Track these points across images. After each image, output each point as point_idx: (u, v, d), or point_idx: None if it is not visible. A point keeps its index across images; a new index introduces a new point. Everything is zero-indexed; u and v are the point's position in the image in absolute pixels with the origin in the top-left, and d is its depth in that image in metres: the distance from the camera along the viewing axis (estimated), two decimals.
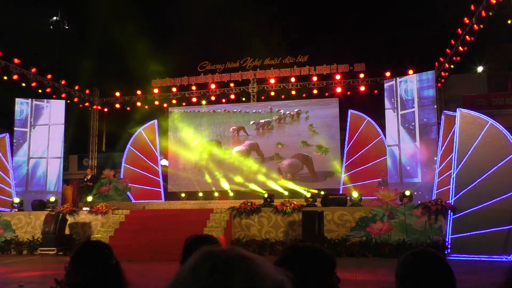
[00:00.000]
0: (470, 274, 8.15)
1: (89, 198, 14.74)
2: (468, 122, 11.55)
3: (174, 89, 19.41)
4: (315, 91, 18.48)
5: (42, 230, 12.47)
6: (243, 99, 19.32)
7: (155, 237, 11.51)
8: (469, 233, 10.68)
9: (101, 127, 21.47)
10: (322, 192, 14.47)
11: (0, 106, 18.23)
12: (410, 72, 15.73)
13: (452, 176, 11.33)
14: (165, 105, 19.88)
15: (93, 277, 1.89)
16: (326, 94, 18.48)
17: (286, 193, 16.74)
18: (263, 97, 19.19)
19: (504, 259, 10.24)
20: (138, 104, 20.19)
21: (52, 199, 14.57)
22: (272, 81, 18.63)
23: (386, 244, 11.22)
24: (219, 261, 0.66)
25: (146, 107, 20.22)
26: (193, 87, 19.29)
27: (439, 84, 17.04)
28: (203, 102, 19.43)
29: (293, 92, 18.69)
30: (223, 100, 19.43)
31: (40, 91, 17.63)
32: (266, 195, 13.22)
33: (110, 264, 1.92)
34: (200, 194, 17.71)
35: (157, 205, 16.58)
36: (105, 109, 20.90)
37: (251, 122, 18.78)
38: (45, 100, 17.63)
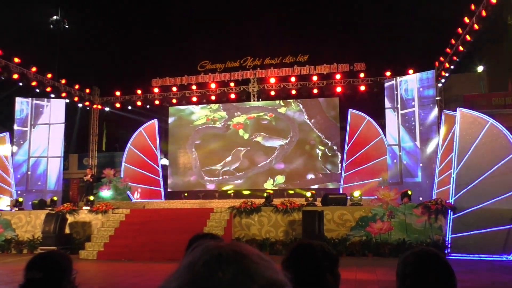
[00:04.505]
0: (470, 274, 8.16)
1: (92, 198, 14.71)
2: (468, 122, 11.54)
3: (174, 89, 19.42)
4: (315, 91, 18.49)
5: (42, 229, 12.47)
6: (244, 98, 19.33)
7: (155, 237, 11.51)
8: (469, 233, 10.68)
9: (101, 126, 21.47)
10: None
11: (0, 105, 18.24)
12: (410, 71, 15.74)
13: (452, 176, 11.33)
14: (165, 103, 19.88)
15: None
16: (326, 93, 18.48)
17: (285, 192, 16.75)
18: (263, 97, 19.20)
19: (504, 259, 10.25)
20: (139, 103, 20.20)
21: (52, 198, 14.57)
22: (272, 80, 18.63)
23: (386, 243, 11.22)
24: (213, 257, 0.68)
25: (147, 106, 20.23)
26: (193, 87, 19.29)
27: (439, 84, 17.04)
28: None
29: (293, 92, 18.70)
30: (224, 100, 19.43)
31: (40, 89, 17.61)
32: (266, 195, 13.21)
33: None
34: (200, 194, 17.71)
35: (157, 205, 16.58)
36: (106, 108, 20.91)
37: (251, 120, 18.77)
38: (45, 99, 17.64)
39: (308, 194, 13.16)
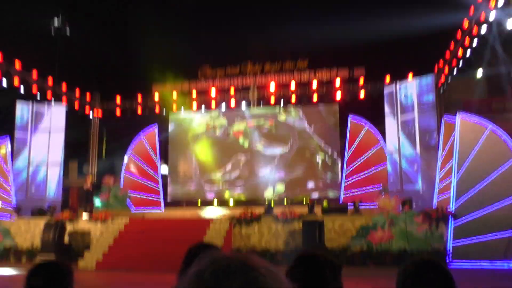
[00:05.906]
0: (472, 282, 8.08)
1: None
2: (468, 127, 11.52)
3: (174, 95, 19.43)
4: (315, 96, 18.46)
5: (41, 238, 12.41)
6: (244, 105, 19.32)
7: (154, 246, 11.43)
8: (470, 240, 10.61)
9: (101, 133, 21.43)
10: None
11: (0, 111, 18.19)
12: (410, 76, 15.70)
13: (453, 183, 11.28)
14: (165, 110, 19.88)
15: None
16: (326, 100, 18.47)
17: (286, 202, 16.68)
18: (263, 104, 19.18)
19: (506, 266, 10.17)
20: (139, 110, 20.18)
21: (51, 205, 14.51)
22: (272, 87, 18.61)
23: (387, 252, 11.10)
24: (221, 268, 0.70)
25: (147, 113, 20.19)
26: (193, 93, 19.30)
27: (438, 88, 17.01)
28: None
29: (293, 97, 18.68)
30: (223, 105, 19.42)
31: (40, 95, 17.58)
32: (266, 204, 13.15)
33: None
34: (200, 203, 17.63)
35: (157, 214, 16.49)
36: (106, 115, 20.86)
37: (251, 128, 18.75)
38: (46, 105, 17.63)
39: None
